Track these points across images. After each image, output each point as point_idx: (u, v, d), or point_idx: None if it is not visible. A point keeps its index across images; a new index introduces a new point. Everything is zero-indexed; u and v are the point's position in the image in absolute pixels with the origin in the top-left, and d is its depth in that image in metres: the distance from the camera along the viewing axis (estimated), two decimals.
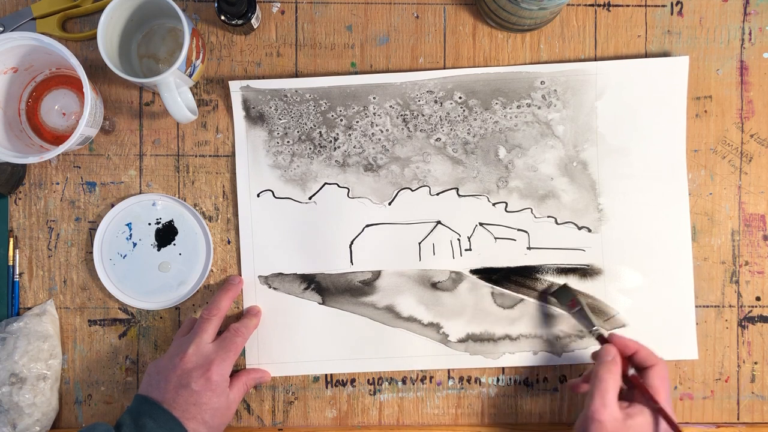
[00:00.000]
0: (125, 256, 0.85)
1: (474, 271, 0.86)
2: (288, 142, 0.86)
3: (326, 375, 0.87)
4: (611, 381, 0.74)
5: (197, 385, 0.76)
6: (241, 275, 0.86)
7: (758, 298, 0.88)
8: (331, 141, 0.86)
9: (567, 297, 0.84)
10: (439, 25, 0.87)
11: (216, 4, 0.81)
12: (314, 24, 0.87)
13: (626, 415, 0.73)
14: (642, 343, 0.78)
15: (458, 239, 0.86)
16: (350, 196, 0.86)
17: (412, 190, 0.86)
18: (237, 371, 0.84)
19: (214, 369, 0.77)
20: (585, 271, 0.86)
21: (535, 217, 0.86)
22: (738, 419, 0.88)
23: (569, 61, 0.87)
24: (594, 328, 0.81)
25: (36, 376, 0.81)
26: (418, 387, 0.87)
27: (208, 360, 0.77)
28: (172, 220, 0.86)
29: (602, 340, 0.80)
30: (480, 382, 0.87)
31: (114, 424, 0.75)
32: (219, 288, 0.85)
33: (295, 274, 0.86)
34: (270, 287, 0.86)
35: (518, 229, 0.86)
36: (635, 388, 0.76)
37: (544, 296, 0.86)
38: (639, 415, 0.73)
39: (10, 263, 0.85)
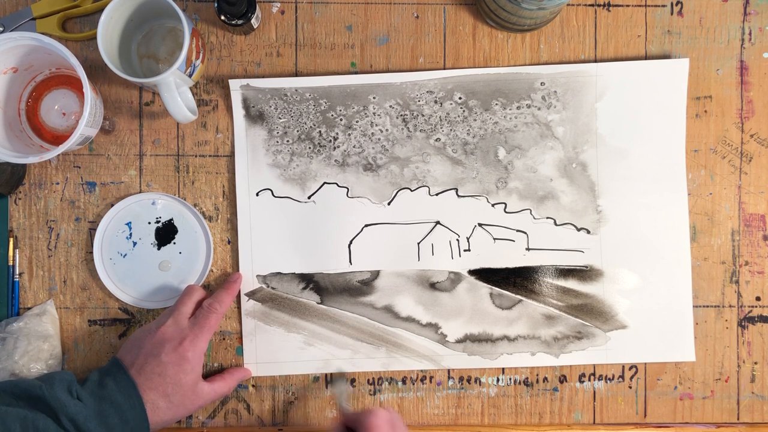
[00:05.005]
0: (125, 255, 0.86)
1: (472, 272, 0.86)
2: (287, 141, 0.86)
3: (326, 375, 0.87)
4: None
5: (166, 357, 0.77)
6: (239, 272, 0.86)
7: (758, 298, 0.88)
8: (330, 140, 0.86)
9: (339, 382, 0.85)
10: (439, 25, 0.87)
11: (216, 4, 0.81)
12: (314, 24, 0.87)
13: None
14: (368, 411, 0.74)
15: (457, 240, 0.86)
16: (349, 195, 0.86)
17: (412, 190, 0.86)
18: (221, 371, 0.85)
19: (186, 344, 0.77)
20: (584, 273, 0.86)
21: (534, 218, 0.86)
22: (738, 419, 0.88)
23: (569, 61, 0.87)
24: (345, 405, 0.81)
25: (36, 377, 0.81)
26: (418, 387, 0.87)
27: (183, 335, 0.78)
28: (171, 219, 0.86)
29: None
30: (480, 382, 0.87)
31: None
32: (220, 286, 0.85)
33: (294, 273, 0.86)
34: (268, 287, 0.86)
35: (517, 230, 0.86)
36: None
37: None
38: None
39: (10, 263, 0.85)
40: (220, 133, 0.86)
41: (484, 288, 0.86)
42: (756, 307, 0.88)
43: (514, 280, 0.86)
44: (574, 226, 0.86)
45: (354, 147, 0.86)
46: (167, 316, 0.79)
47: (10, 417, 0.69)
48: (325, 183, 0.86)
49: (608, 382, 0.87)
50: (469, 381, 0.87)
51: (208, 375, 0.85)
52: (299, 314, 0.86)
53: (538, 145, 0.86)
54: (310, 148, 0.86)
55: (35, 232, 0.86)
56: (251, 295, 0.86)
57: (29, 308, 0.85)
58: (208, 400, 0.80)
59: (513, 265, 0.87)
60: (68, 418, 0.71)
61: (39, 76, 0.84)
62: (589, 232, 0.86)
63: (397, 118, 0.86)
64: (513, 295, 0.86)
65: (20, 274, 0.86)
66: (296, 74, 0.87)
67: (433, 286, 0.86)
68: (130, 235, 0.86)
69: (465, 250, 0.86)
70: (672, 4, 0.87)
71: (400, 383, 0.87)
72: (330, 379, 0.86)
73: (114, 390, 0.75)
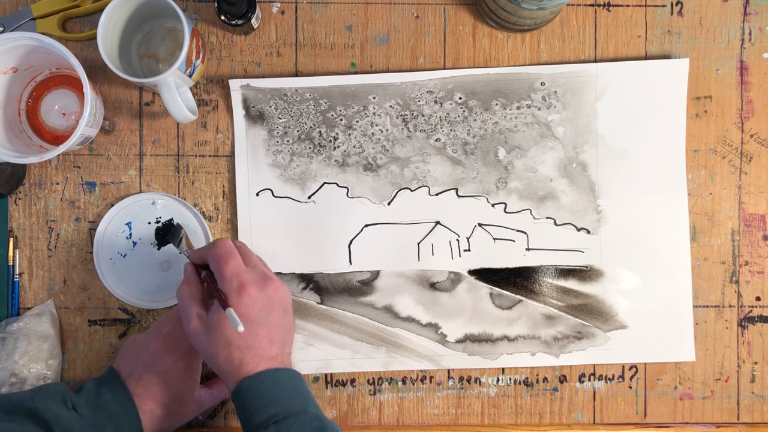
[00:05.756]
0: (125, 255, 0.85)
1: (472, 272, 0.86)
2: (288, 141, 0.86)
3: (326, 375, 0.87)
4: (188, 295, 0.73)
5: (164, 366, 0.76)
6: None
7: (758, 298, 0.88)
8: (330, 140, 0.86)
9: (175, 235, 0.83)
10: (439, 25, 0.87)
11: (216, 4, 0.81)
12: (314, 24, 0.87)
13: (210, 315, 0.72)
14: (211, 244, 0.74)
15: (457, 240, 0.86)
16: (349, 195, 0.86)
17: (412, 190, 0.86)
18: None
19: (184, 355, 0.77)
20: (584, 273, 0.86)
21: (534, 218, 0.86)
22: (738, 419, 0.88)
23: (569, 61, 0.87)
24: (184, 252, 0.79)
25: (36, 377, 0.81)
26: (418, 387, 0.87)
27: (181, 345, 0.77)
28: (171, 219, 0.86)
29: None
30: (480, 382, 0.87)
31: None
32: None
33: (294, 273, 0.86)
34: None
35: (517, 230, 0.86)
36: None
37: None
38: (215, 311, 0.71)
39: (10, 263, 0.85)
40: (220, 133, 0.86)
41: (484, 288, 0.86)
42: (756, 307, 0.88)
43: (514, 280, 0.86)
44: (574, 226, 0.86)
45: (354, 147, 0.86)
46: (165, 324, 0.79)
47: None
48: (325, 183, 0.86)
49: (608, 382, 0.87)
50: (469, 381, 0.87)
51: (208, 377, 0.85)
52: (299, 314, 0.86)
53: (538, 145, 0.86)
54: (310, 148, 0.86)
55: (35, 232, 0.86)
56: None
57: (29, 308, 0.85)
58: (207, 406, 0.80)
59: (513, 265, 0.86)
60: (62, 430, 0.70)
61: (39, 76, 0.84)
62: (589, 232, 0.86)
63: (397, 118, 0.86)
64: (513, 295, 0.86)
65: (20, 274, 0.85)
66: (296, 74, 0.87)
67: (433, 286, 0.86)
68: (130, 235, 0.86)
69: (465, 250, 0.86)
70: (672, 4, 0.87)
71: (400, 383, 0.87)
72: (169, 236, 0.84)
73: (110, 400, 0.74)
